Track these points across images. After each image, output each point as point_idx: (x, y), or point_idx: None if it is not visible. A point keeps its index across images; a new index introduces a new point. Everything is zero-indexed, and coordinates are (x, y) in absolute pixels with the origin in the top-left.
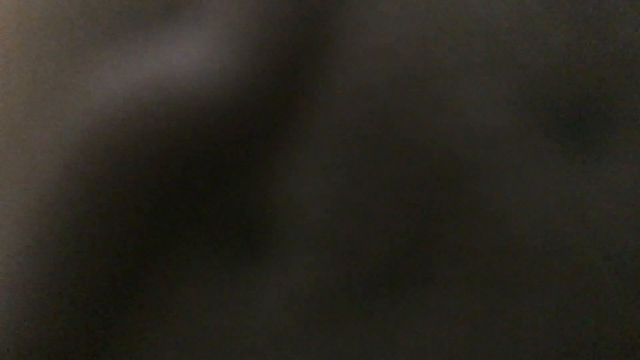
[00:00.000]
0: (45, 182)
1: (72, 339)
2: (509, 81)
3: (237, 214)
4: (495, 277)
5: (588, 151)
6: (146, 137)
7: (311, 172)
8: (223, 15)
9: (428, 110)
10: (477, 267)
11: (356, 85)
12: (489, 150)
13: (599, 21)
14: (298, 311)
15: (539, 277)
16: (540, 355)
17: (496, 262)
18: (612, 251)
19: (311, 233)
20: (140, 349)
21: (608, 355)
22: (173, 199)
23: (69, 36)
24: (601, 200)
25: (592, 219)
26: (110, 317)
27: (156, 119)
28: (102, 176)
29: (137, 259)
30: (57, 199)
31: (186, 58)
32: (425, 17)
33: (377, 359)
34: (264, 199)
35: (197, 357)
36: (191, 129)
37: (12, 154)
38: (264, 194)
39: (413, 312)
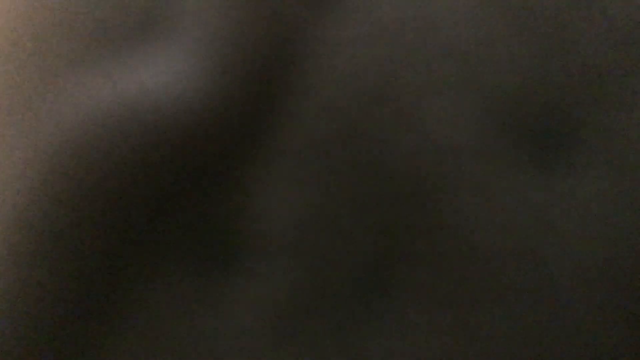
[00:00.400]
0: (19, 198)
1: (45, 347)
2: (475, 100)
3: (209, 226)
4: (461, 288)
5: (554, 165)
6: (117, 153)
7: (282, 186)
8: (194, 35)
9: (395, 129)
10: (444, 279)
11: (326, 103)
12: (455, 167)
13: (562, 40)
14: (268, 321)
15: (504, 287)
16: None
17: (462, 273)
18: (578, 262)
19: (282, 245)
20: (113, 357)
21: None
22: (146, 212)
23: (41, 55)
24: (567, 212)
25: (558, 231)
26: (83, 325)
27: (127, 136)
28: (74, 192)
29: (110, 270)
30: (33, 211)
31: (158, 77)
32: (393, 38)
33: None
34: (236, 212)
35: None
36: (162, 145)
37: None
38: (236, 206)
39: (382, 323)
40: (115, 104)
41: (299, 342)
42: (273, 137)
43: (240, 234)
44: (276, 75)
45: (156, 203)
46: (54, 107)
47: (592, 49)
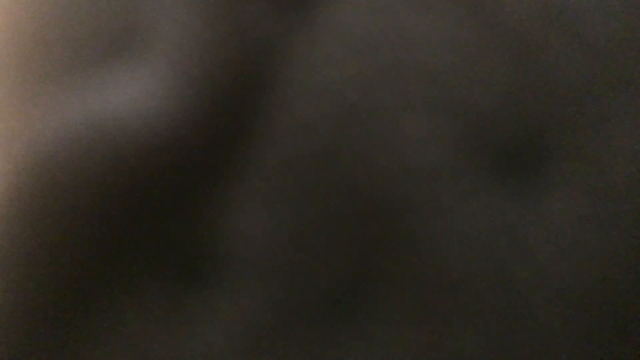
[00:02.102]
0: None
1: None
2: (448, 120)
3: (181, 245)
4: (433, 307)
5: (526, 186)
6: (85, 174)
7: (254, 204)
8: (165, 56)
9: (369, 148)
10: (416, 297)
11: (298, 122)
12: (427, 187)
13: (536, 61)
14: (240, 338)
15: (476, 307)
16: None
17: (434, 293)
18: (550, 282)
19: (253, 263)
20: None
21: None
22: (116, 229)
23: (11, 73)
24: (539, 233)
25: (529, 251)
26: (53, 341)
27: (95, 156)
28: (41, 211)
29: (80, 287)
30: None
31: (126, 96)
32: (367, 58)
33: None
34: (208, 230)
35: None
36: (131, 165)
37: None
38: (208, 225)
39: (353, 341)
40: (83, 124)
41: (270, 359)
42: (245, 156)
43: (213, 252)
44: (247, 95)
45: (126, 221)
46: (21, 128)
47: (566, 70)
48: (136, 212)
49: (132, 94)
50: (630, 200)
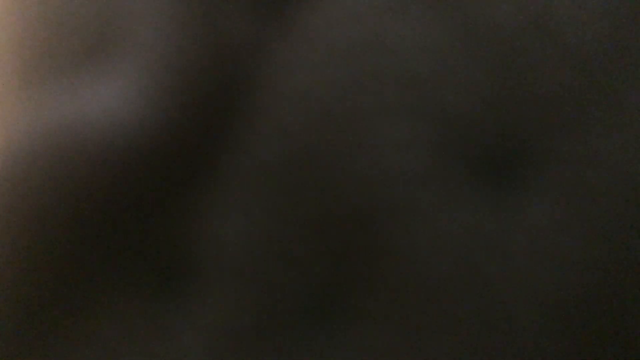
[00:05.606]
0: None
1: None
2: (428, 125)
3: (157, 251)
4: (408, 312)
5: (505, 189)
6: (58, 179)
7: (231, 210)
8: (140, 61)
9: (347, 153)
10: (392, 303)
11: (276, 127)
12: (405, 192)
13: (517, 66)
14: (217, 345)
15: (455, 314)
16: None
17: (411, 299)
18: (526, 286)
19: (230, 269)
20: None
21: None
22: (91, 237)
23: None
24: (519, 238)
25: (507, 255)
26: (27, 348)
27: (69, 161)
28: (14, 216)
29: (53, 295)
30: None
31: (102, 103)
32: (346, 63)
33: None
34: (184, 237)
35: None
36: (105, 170)
37: None
38: (184, 231)
39: (327, 347)
40: (57, 129)
41: None
42: (222, 161)
43: (189, 258)
44: (224, 100)
45: (101, 227)
46: None
47: (547, 75)
48: (111, 218)
49: (107, 99)
50: (608, 205)
